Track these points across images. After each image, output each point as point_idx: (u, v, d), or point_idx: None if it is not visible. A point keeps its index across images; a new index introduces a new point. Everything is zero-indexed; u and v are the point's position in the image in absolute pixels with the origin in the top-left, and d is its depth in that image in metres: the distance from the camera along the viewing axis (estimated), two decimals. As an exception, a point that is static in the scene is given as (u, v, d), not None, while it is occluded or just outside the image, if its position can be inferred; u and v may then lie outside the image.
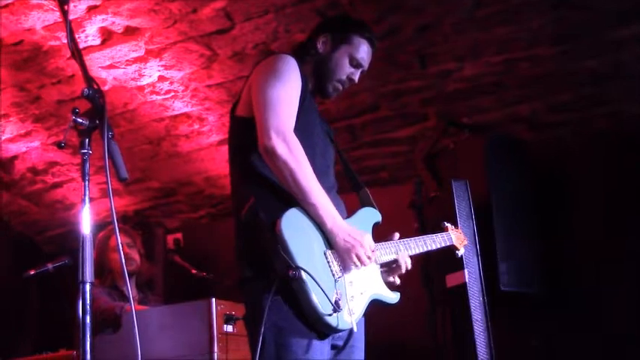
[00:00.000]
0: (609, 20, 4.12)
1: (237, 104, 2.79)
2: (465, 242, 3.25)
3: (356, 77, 2.93)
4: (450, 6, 4.13)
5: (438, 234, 3.12)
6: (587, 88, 4.63)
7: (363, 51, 2.91)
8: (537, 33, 4.27)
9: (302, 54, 2.90)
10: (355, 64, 2.90)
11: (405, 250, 2.86)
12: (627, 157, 4.76)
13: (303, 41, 3.00)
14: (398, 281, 2.85)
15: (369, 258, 2.61)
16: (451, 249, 3.16)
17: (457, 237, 3.20)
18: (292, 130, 2.57)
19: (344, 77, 2.90)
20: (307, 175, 2.53)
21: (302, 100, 2.69)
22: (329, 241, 2.59)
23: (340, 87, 2.91)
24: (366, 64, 2.94)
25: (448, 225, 3.22)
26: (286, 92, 2.63)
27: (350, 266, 2.61)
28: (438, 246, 3.07)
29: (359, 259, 2.58)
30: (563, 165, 4.95)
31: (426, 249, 2.98)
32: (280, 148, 2.50)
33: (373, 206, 2.90)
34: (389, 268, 2.84)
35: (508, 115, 4.92)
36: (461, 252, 3.20)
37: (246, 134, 2.64)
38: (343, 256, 2.58)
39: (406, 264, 2.83)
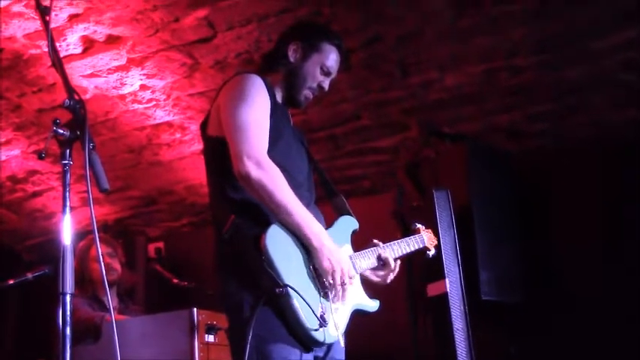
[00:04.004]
0: (589, 30, 4.15)
1: (207, 123, 2.79)
2: (435, 242, 3.26)
3: (326, 85, 2.95)
4: (432, 16, 4.15)
5: (412, 237, 3.14)
6: (567, 98, 4.66)
7: (333, 59, 2.93)
8: (518, 43, 4.29)
9: (272, 63, 2.92)
10: (325, 72, 2.92)
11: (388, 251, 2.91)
12: (608, 166, 4.78)
13: (272, 50, 3.01)
14: (390, 279, 2.90)
15: (343, 284, 2.60)
16: (424, 251, 3.19)
17: (429, 238, 3.22)
18: (265, 152, 2.57)
19: (314, 85, 2.91)
20: (286, 195, 2.53)
21: (271, 117, 2.69)
22: (310, 256, 2.59)
23: (311, 95, 2.93)
24: (335, 72, 2.96)
25: (420, 226, 3.24)
26: (255, 114, 2.63)
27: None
28: (412, 249, 3.09)
29: (334, 282, 2.58)
30: (545, 174, 4.97)
31: (401, 253, 3.01)
32: (254, 173, 2.50)
33: (350, 214, 2.92)
34: (376, 269, 2.90)
35: (489, 125, 4.94)
36: (432, 253, 3.21)
37: (220, 154, 2.64)
38: (325, 275, 2.59)
39: (394, 262, 2.89)
